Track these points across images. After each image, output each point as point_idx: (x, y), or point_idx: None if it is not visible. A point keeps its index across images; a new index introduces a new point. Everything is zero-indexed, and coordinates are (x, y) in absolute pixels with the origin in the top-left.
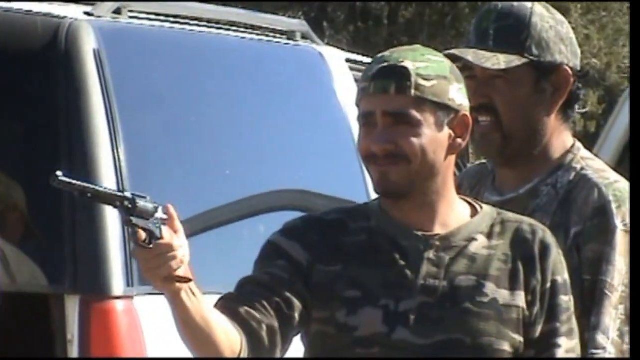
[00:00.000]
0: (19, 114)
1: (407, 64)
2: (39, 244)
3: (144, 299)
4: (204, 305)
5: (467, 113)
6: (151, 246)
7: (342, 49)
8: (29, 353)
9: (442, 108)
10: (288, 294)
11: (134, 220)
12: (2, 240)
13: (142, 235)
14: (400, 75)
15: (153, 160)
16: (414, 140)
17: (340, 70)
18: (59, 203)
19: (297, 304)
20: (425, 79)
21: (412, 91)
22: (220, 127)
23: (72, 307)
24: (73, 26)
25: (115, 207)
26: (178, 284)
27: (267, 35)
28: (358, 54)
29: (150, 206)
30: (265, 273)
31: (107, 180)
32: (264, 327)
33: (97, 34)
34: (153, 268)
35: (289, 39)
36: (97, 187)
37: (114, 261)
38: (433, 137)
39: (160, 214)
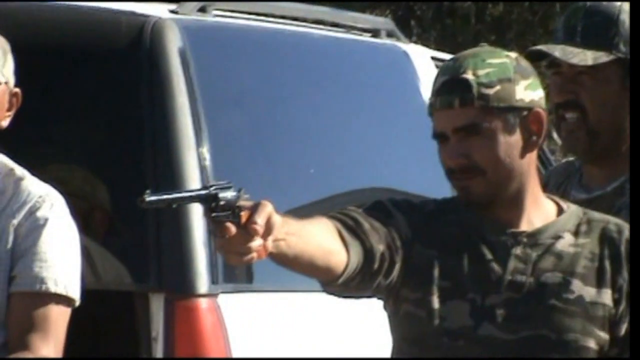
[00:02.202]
0: (104, 112)
1: (468, 74)
2: (124, 242)
3: (229, 296)
4: (296, 247)
5: (541, 107)
6: (228, 236)
7: (430, 47)
8: (113, 350)
9: (511, 110)
10: (394, 246)
11: (215, 215)
12: (88, 238)
13: (224, 227)
14: (461, 88)
15: (238, 159)
16: (486, 151)
17: (425, 68)
18: None
19: (397, 261)
20: (487, 87)
21: (476, 102)
22: (305, 125)
23: (157, 305)
24: (158, 24)
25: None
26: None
27: (353, 33)
28: (445, 51)
29: (232, 196)
30: (377, 218)
31: (192, 179)
32: (380, 248)
33: (182, 32)
34: (231, 255)
35: (374, 36)
36: (181, 195)
37: (198, 259)
38: (506, 142)
39: (242, 201)
